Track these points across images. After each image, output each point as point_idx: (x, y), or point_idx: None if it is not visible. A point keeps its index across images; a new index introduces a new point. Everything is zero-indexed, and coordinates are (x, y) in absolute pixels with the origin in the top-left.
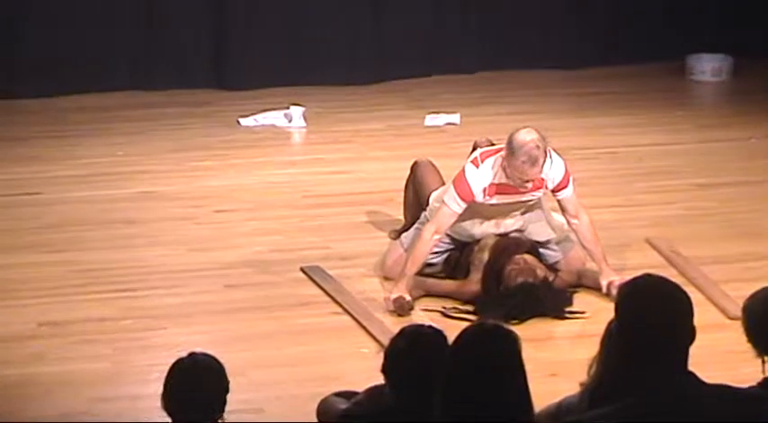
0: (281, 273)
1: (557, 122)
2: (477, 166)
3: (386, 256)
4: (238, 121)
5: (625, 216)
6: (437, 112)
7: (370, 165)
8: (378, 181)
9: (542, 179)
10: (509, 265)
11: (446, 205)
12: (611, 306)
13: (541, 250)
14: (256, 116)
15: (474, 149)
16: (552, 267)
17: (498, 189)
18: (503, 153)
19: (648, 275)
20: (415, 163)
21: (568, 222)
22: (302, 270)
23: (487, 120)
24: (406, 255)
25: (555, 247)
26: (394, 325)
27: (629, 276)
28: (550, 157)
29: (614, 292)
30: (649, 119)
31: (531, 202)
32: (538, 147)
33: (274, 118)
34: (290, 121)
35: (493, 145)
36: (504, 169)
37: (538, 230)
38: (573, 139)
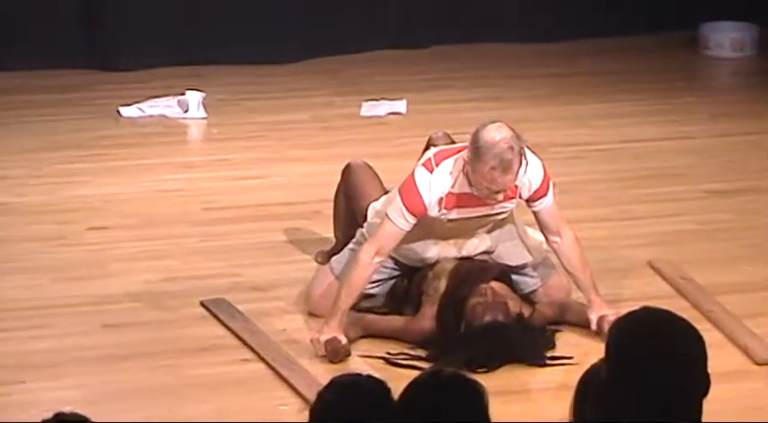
0: (174, 308)
1: (532, 111)
2: (431, 171)
3: (312, 285)
4: (119, 111)
5: (620, 232)
6: (377, 99)
7: (289, 167)
8: (300, 188)
9: (516, 187)
10: (473, 298)
11: (390, 221)
12: (603, 348)
13: (514, 277)
14: (142, 104)
15: (427, 148)
16: (528, 299)
17: (459, 200)
18: (465, 154)
19: (650, 309)
20: (348, 166)
21: (548, 241)
22: (203, 304)
23: (443, 108)
24: (339, 284)
25: (532, 273)
26: (323, 375)
27: (625, 310)
28: (526, 158)
29: (606, 329)
30: (650, 106)
31: (501, 217)
32: (511, 148)
33: (165, 106)
34: (185, 110)
35: (453, 143)
36: (466, 175)
37: (510, 252)
38: (552, 132)
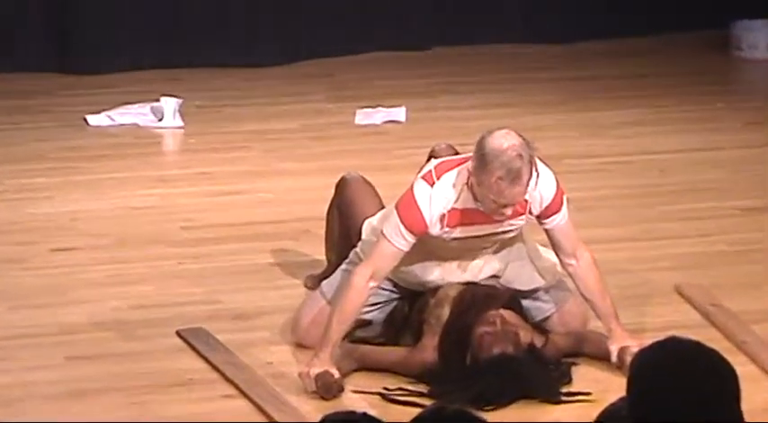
0: (147, 338)
1: (543, 119)
2: (432, 184)
3: (301, 312)
4: (86, 120)
5: (643, 254)
6: (373, 106)
7: (276, 182)
8: (288, 205)
9: (525, 202)
10: (479, 327)
11: (386, 240)
12: (624, 383)
13: (525, 303)
14: (111, 112)
15: (429, 160)
16: (541, 327)
17: (463, 217)
18: (469, 165)
19: (676, 339)
20: (343, 180)
21: (562, 264)
22: (179, 334)
23: (445, 116)
24: (330, 310)
25: (545, 298)
26: (314, 413)
27: (649, 341)
28: (536, 169)
29: (628, 362)
30: (676, 114)
31: (510, 235)
32: (520, 156)
33: (137, 114)
34: (159, 118)
35: (457, 154)
36: (471, 189)
37: (519, 275)
38: (567, 143)
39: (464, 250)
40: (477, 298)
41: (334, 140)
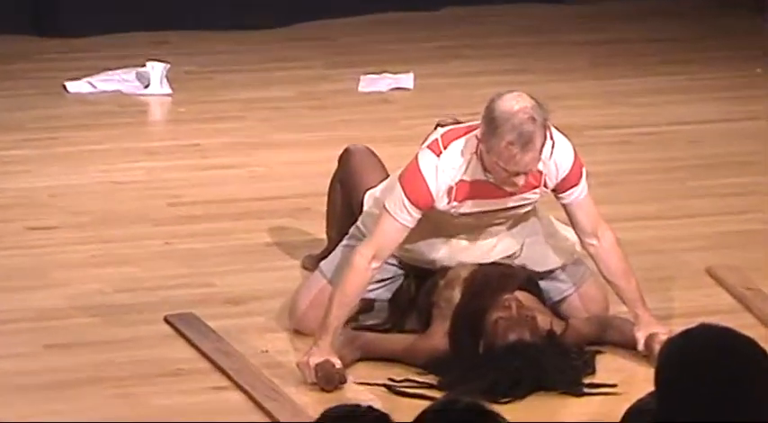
0: (133, 325)
1: (564, 87)
2: (439, 154)
3: (298, 295)
4: (65, 87)
5: (672, 233)
6: (377, 72)
7: (272, 155)
8: (285, 180)
9: (540, 173)
10: (493, 311)
11: (389, 215)
12: (652, 373)
13: (542, 284)
14: (93, 78)
15: (436, 129)
16: (560, 312)
17: (472, 190)
18: (478, 132)
19: (708, 326)
20: (347, 152)
21: (583, 244)
22: (167, 320)
23: (457, 83)
24: (330, 294)
25: (562, 277)
26: (313, 406)
27: (678, 328)
28: (552, 137)
29: (656, 351)
30: (708, 81)
31: (524, 210)
32: (533, 119)
33: (121, 81)
34: (145, 85)
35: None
36: (480, 158)
37: (534, 255)
38: (590, 112)
39: (474, 227)
40: (491, 279)
41: (335, 110)
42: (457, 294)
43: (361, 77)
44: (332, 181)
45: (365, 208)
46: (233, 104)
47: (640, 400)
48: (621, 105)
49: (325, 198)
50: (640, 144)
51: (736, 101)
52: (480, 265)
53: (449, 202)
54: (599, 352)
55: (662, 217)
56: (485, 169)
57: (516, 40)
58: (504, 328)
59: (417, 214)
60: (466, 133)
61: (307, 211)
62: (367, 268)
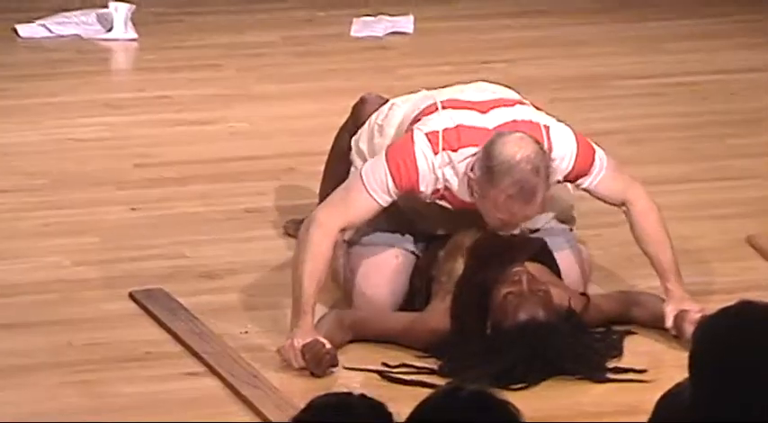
0: (94, 302)
1: (587, 31)
2: (436, 153)
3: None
4: (16, 31)
5: (708, 197)
6: (372, 14)
7: (253, 108)
8: (268, 137)
9: None
10: (501, 286)
11: (366, 191)
12: (686, 356)
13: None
14: (48, 21)
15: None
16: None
17: (459, 201)
18: (471, 173)
19: (749, 304)
20: (362, 101)
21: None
22: (132, 297)
23: (462, 27)
24: (294, 267)
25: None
26: (299, 394)
27: (714, 305)
28: (549, 138)
29: (689, 330)
30: (751, 24)
31: None
32: (536, 171)
33: (80, 24)
34: (108, 29)
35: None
36: (470, 189)
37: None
38: (616, 60)
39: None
40: (498, 249)
41: (324, 57)
42: (459, 267)
43: (354, 20)
44: (339, 132)
45: (353, 148)
46: (208, 51)
47: (677, 386)
48: (652, 52)
49: (313, 158)
50: (673, 96)
51: None
52: (485, 232)
53: (432, 198)
54: (630, 332)
55: (696, 179)
56: (473, 197)
57: None
58: (514, 305)
59: (396, 197)
60: (471, 146)
61: (292, 173)
62: (333, 233)
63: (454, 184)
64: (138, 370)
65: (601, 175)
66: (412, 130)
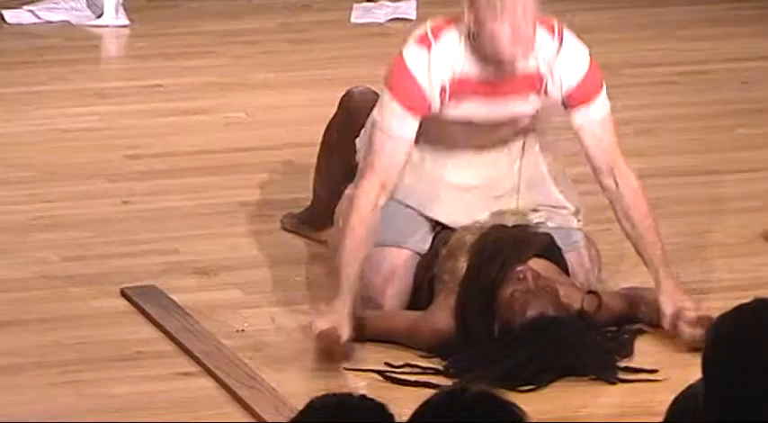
0: (84, 299)
1: (596, 17)
2: (429, 47)
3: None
4: (2, 16)
5: (722, 190)
6: (373, 0)
7: (249, 98)
8: (264, 128)
9: (540, 78)
10: (509, 285)
11: (381, 131)
12: (697, 356)
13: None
14: (35, 6)
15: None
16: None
17: (468, 87)
18: (466, 13)
19: (765, 301)
20: (348, 95)
21: (600, 185)
22: (124, 294)
23: None
24: (335, 242)
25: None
26: (297, 395)
27: (728, 303)
28: (561, 38)
29: (686, 331)
30: (759, 13)
31: (521, 124)
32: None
33: (70, 9)
34: (98, 15)
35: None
36: (472, 41)
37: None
38: (627, 47)
39: (472, 137)
40: (502, 245)
41: (323, 44)
42: (462, 265)
43: (355, 6)
44: (328, 127)
45: (365, 129)
46: (202, 38)
47: (689, 387)
48: (664, 40)
49: (311, 149)
50: (685, 85)
51: None
52: (491, 228)
53: (442, 103)
54: (643, 331)
55: (709, 170)
56: (480, 57)
57: None
58: (521, 303)
59: (414, 122)
60: (454, 22)
61: (289, 165)
62: (375, 205)
63: (460, 62)
64: (129, 370)
65: (599, 115)
66: (401, 51)
